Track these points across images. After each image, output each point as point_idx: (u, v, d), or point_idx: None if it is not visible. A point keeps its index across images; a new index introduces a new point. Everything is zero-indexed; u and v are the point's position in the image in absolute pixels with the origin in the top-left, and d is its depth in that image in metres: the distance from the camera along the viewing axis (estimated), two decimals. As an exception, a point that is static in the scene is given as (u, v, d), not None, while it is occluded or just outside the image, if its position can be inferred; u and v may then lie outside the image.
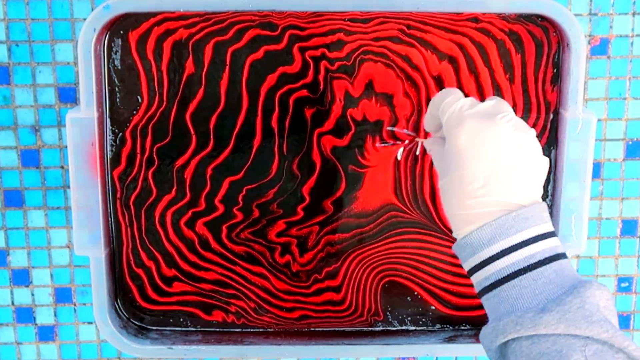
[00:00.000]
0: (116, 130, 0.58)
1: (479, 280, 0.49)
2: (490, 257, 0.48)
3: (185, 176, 0.59)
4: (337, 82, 0.57)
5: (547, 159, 0.49)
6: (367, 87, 0.57)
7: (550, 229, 0.48)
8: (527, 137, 0.48)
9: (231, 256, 0.60)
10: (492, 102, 0.50)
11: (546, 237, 0.48)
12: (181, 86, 0.57)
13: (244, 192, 0.59)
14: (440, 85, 0.57)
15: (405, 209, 0.59)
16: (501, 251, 0.47)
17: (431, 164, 0.58)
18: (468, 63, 0.57)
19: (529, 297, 0.46)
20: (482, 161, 0.47)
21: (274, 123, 0.58)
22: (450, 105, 0.49)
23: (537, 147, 0.49)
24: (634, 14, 0.62)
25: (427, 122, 0.53)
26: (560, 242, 0.58)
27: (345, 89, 0.57)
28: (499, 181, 0.47)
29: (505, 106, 0.49)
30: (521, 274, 0.47)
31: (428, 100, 0.57)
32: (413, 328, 0.62)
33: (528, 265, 0.47)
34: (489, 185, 0.47)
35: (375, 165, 0.59)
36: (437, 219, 0.60)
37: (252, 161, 0.58)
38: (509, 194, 0.47)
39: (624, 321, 0.68)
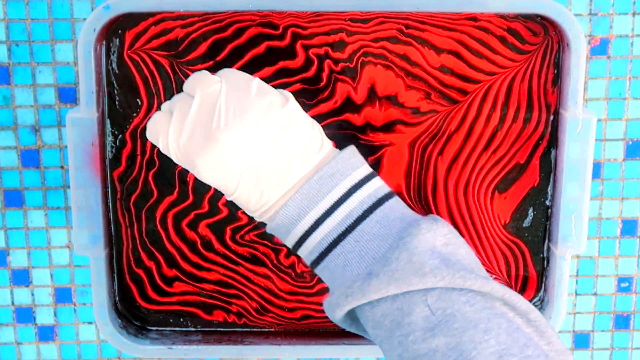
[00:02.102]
0: (116, 132, 0.58)
1: (304, 255, 0.44)
2: (306, 232, 0.43)
3: (187, 179, 0.58)
4: (341, 84, 0.57)
5: (291, 101, 0.44)
6: (370, 92, 0.57)
7: (365, 173, 0.43)
8: (254, 108, 0.42)
9: (234, 257, 0.60)
10: (197, 99, 0.43)
11: (362, 185, 0.43)
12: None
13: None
14: (445, 72, 0.57)
15: (409, 200, 0.59)
16: (315, 221, 0.43)
17: (439, 152, 0.58)
18: (470, 52, 0.57)
19: (356, 262, 0.42)
20: (240, 182, 0.43)
21: None
22: (167, 151, 0.44)
23: (268, 103, 0.43)
24: (634, 14, 0.62)
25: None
26: (561, 242, 0.58)
27: (348, 94, 0.57)
28: (267, 178, 0.43)
29: (210, 87, 0.43)
30: (343, 239, 0.42)
31: (436, 84, 0.57)
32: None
33: (347, 227, 0.42)
34: (264, 187, 0.43)
35: (392, 143, 0.58)
36: (435, 214, 0.59)
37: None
38: (288, 174, 0.42)
39: (624, 321, 0.68)
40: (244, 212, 0.58)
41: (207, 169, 0.43)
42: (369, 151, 0.58)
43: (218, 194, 0.59)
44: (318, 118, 0.57)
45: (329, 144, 0.45)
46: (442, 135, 0.58)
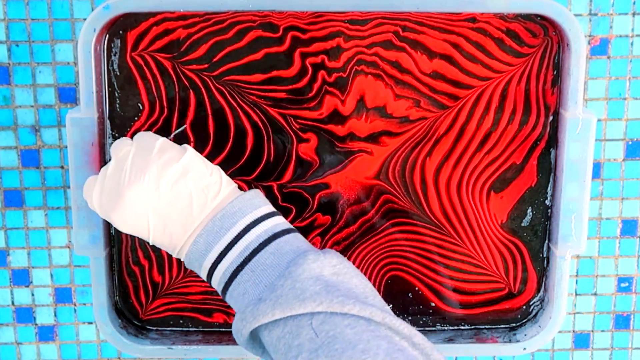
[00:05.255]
0: (117, 135, 0.57)
1: (215, 286, 0.49)
2: (212, 264, 0.48)
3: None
4: (329, 98, 0.57)
5: (188, 150, 0.49)
6: (359, 104, 0.57)
7: (266, 211, 0.48)
8: (154, 163, 0.48)
9: None
10: (112, 160, 0.50)
11: (261, 221, 0.48)
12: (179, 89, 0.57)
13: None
14: (437, 78, 0.57)
15: (395, 192, 0.59)
16: (219, 255, 0.48)
17: (427, 153, 0.59)
18: (463, 57, 0.57)
19: (252, 290, 0.47)
20: (151, 229, 0.49)
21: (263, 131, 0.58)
22: (94, 208, 0.51)
23: (167, 158, 0.49)
24: (634, 14, 0.62)
25: None
26: (561, 242, 0.58)
27: (335, 107, 0.57)
28: (173, 223, 0.48)
29: (123, 149, 0.50)
30: (241, 269, 0.47)
31: (426, 91, 0.57)
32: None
33: (245, 259, 0.47)
34: (174, 231, 0.49)
35: (372, 152, 0.59)
36: (427, 211, 0.60)
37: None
38: (191, 217, 0.48)
39: (624, 321, 0.68)
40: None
41: (120, 222, 0.49)
42: (342, 156, 0.59)
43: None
44: (301, 124, 0.57)
45: (229, 187, 0.50)
46: (430, 139, 0.58)
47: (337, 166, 0.59)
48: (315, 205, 0.59)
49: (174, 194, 0.48)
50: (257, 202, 0.49)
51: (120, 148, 0.50)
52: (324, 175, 0.59)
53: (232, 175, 0.58)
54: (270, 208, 0.50)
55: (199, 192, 0.48)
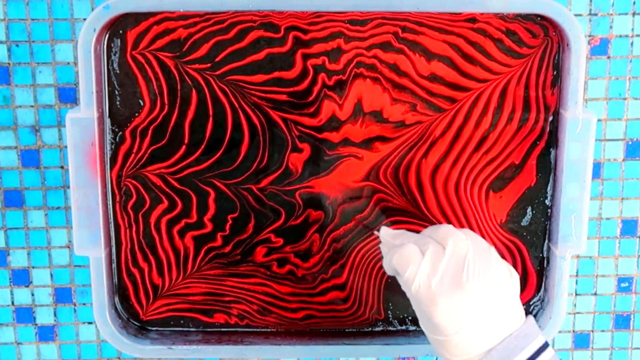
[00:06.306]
0: (116, 130, 0.58)
1: None
2: None
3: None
4: (328, 103, 0.57)
5: (516, 276, 0.51)
6: (356, 109, 0.57)
7: (544, 339, 0.50)
8: (493, 273, 0.49)
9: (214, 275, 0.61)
10: (449, 249, 0.50)
11: (544, 349, 0.49)
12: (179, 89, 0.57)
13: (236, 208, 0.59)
14: (435, 81, 0.57)
15: (388, 191, 0.59)
16: None
17: (422, 155, 0.59)
18: (462, 58, 0.57)
19: None
20: (462, 328, 0.48)
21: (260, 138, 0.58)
22: (411, 279, 0.49)
23: (503, 271, 0.50)
24: (634, 14, 0.62)
25: (386, 267, 0.53)
26: (561, 242, 0.58)
27: (333, 112, 0.57)
28: (485, 328, 0.49)
29: (460, 242, 0.50)
30: None
31: (423, 94, 0.57)
32: (413, 328, 0.62)
33: None
34: (476, 337, 0.49)
35: (362, 157, 0.59)
36: (425, 211, 0.60)
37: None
38: (497, 330, 0.49)
39: (624, 321, 0.68)
40: (233, 218, 0.59)
41: (444, 309, 0.49)
42: (327, 164, 0.59)
43: (202, 207, 0.59)
44: (301, 131, 0.57)
45: (520, 308, 0.52)
46: (426, 141, 0.58)
47: (320, 173, 0.59)
48: (301, 203, 0.59)
49: (496, 306, 0.49)
50: (537, 329, 0.50)
51: (458, 239, 0.50)
52: (303, 182, 0.59)
53: (215, 178, 0.58)
54: (543, 337, 0.51)
55: (510, 310, 0.50)
